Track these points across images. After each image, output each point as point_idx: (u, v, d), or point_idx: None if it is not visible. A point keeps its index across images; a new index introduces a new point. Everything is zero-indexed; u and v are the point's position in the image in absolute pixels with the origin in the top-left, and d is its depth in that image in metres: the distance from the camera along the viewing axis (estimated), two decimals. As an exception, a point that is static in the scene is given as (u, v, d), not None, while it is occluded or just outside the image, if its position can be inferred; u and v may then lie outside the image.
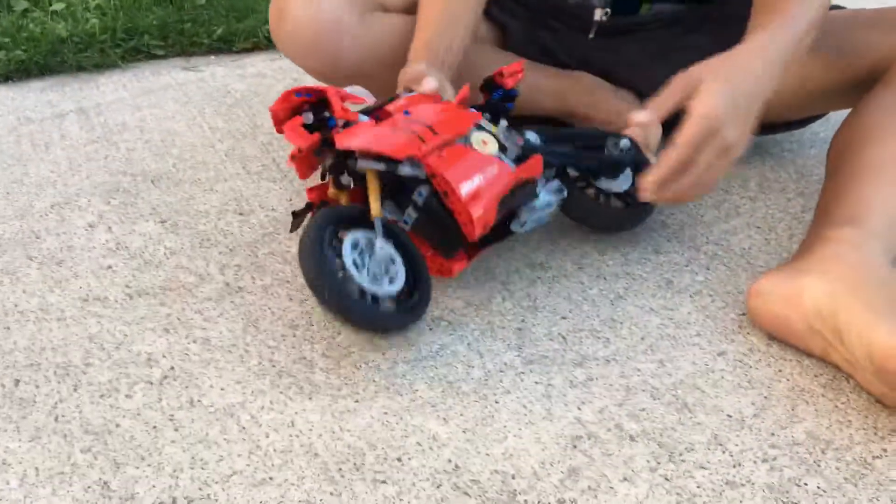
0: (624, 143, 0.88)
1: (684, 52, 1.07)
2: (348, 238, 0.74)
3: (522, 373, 0.74)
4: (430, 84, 0.84)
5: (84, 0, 1.63)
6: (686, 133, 0.75)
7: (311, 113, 0.79)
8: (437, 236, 0.81)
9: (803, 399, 0.72)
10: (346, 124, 0.77)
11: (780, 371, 0.75)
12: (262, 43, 1.56)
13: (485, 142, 0.81)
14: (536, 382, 0.73)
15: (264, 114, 1.28)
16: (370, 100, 0.95)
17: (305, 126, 0.79)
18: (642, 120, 0.79)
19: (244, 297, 0.85)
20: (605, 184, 0.91)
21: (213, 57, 1.53)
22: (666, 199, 0.79)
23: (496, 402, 0.71)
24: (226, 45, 1.55)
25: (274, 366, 0.75)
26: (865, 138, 0.87)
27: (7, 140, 1.19)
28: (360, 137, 0.75)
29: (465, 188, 0.75)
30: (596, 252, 0.93)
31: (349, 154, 0.77)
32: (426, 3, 0.97)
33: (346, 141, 0.74)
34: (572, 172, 0.90)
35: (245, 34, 1.56)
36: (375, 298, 0.73)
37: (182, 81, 1.41)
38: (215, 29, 1.56)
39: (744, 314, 0.82)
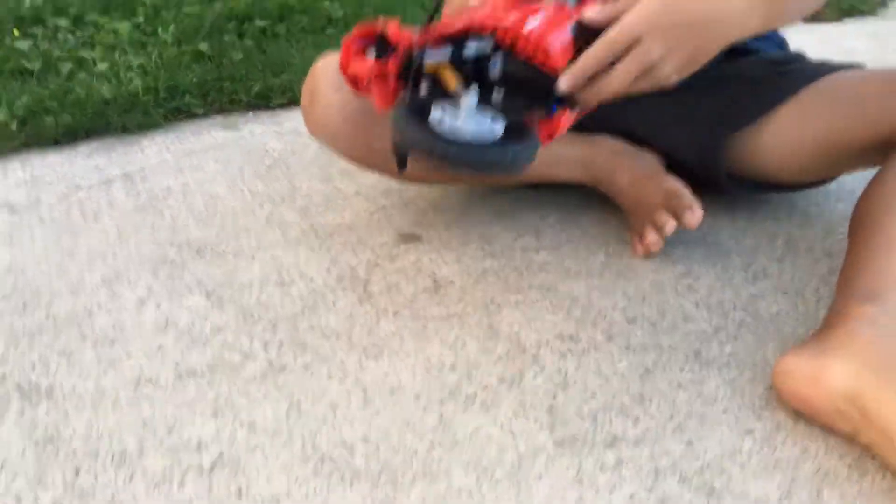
0: None
1: (702, 112, 1.09)
2: (435, 108, 0.75)
3: (554, 456, 0.77)
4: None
5: (126, 59, 1.69)
6: (607, 35, 0.76)
7: (373, 48, 0.82)
8: (529, 95, 0.78)
9: (829, 482, 0.74)
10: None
11: (805, 451, 0.77)
12: (297, 98, 1.60)
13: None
14: (568, 467, 0.76)
15: (301, 175, 1.33)
16: None
17: (383, 42, 0.81)
18: (590, 15, 0.78)
19: (286, 377, 0.89)
20: None
21: (251, 114, 1.58)
22: (585, 97, 0.78)
23: (529, 489, 0.74)
24: (263, 101, 1.60)
25: (316, 451, 0.79)
26: (886, 207, 0.88)
27: (58, 209, 1.25)
28: (422, 35, 0.78)
29: (527, 27, 0.75)
30: (625, 320, 0.96)
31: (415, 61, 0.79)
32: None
33: (406, 41, 0.77)
34: None
35: (281, 89, 1.61)
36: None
37: (222, 142, 1.46)
38: (252, 85, 1.61)
39: (771, 388, 0.85)
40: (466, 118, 0.74)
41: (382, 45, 0.81)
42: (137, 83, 1.58)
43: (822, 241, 1.11)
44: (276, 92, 1.61)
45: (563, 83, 0.76)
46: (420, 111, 0.75)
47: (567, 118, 0.81)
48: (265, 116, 1.57)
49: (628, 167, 1.11)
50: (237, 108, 1.60)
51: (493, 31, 0.77)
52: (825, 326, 0.84)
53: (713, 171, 1.10)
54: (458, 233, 1.15)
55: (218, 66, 1.69)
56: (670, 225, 1.03)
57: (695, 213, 1.02)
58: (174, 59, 1.70)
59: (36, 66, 1.68)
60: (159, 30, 1.84)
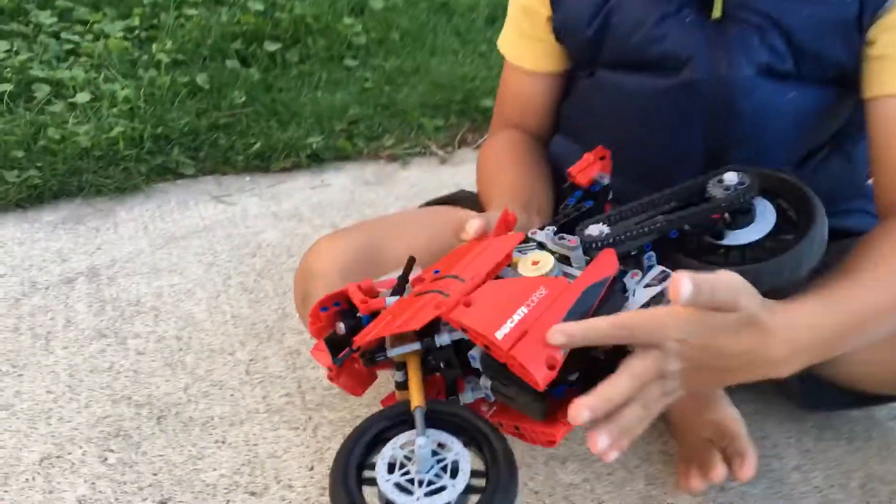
0: (729, 177, 0.68)
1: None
2: (381, 461, 0.61)
3: None
4: (473, 226, 0.69)
5: (111, 88, 1.47)
6: (635, 323, 0.57)
7: (342, 323, 0.68)
8: (518, 398, 0.64)
9: None
10: (376, 314, 0.66)
11: None
12: (301, 163, 1.40)
13: (535, 262, 0.66)
14: None
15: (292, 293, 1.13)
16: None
17: (337, 339, 0.67)
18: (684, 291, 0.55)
19: None
20: (736, 237, 0.70)
21: (247, 179, 1.38)
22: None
23: None
24: (262, 164, 1.39)
25: None
26: None
27: (6, 323, 1.06)
28: (372, 329, 0.64)
29: (502, 331, 0.59)
30: None
31: (381, 349, 0.66)
32: (493, 179, 0.86)
33: (359, 340, 0.64)
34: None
35: (285, 150, 1.40)
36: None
37: (209, 223, 1.26)
38: (252, 142, 1.40)
39: None
40: (429, 494, 0.58)
41: (353, 313, 0.67)
42: (119, 129, 1.36)
43: (906, 485, 0.92)
44: (278, 153, 1.40)
45: (583, 415, 0.55)
46: (359, 489, 0.60)
47: (563, 430, 0.62)
48: (263, 184, 1.36)
49: None
50: (232, 169, 1.39)
51: (464, 329, 0.60)
52: None
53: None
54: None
55: (215, 108, 1.47)
56: (719, 474, 0.85)
57: (747, 465, 0.84)
58: (166, 91, 1.48)
59: (7, 88, 1.46)
60: (153, 46, 1.61)
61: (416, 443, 0.60)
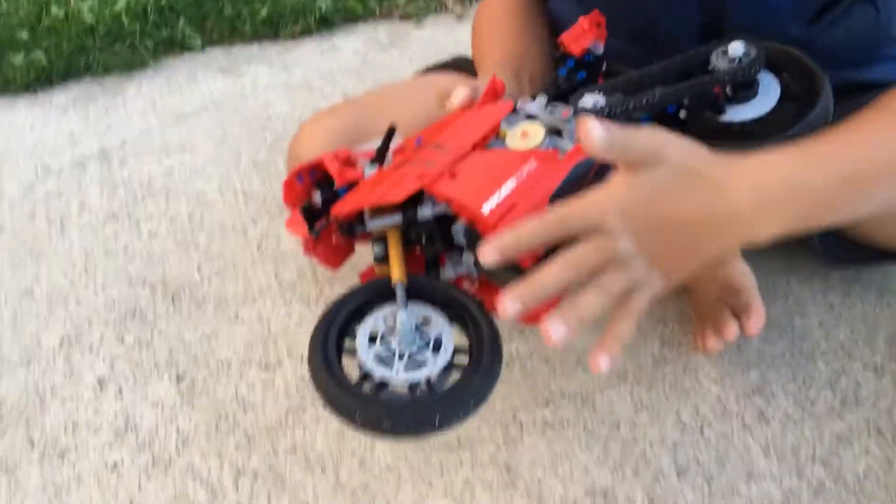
0: (735, 47, 0.63)
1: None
2: (362, 331, 0.60)
3: None
4: (459, 95, 0.66)
5: (113, -40, 1.41)
6: (560, 209, 0.52)
7: (319, 192, 0.66)
8: (502, 275, 0.62)
9: None
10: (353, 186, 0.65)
11: None
12: (311, 26, 1.34)
13: (525, 133, 0.64)
14: None
15: (306, 167, 1.11)
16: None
17: (314, 209, 0.66)
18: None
19: (257, 538, 0.75)
20: (737, 113, 0.65)
21: (256, 48, 1.33)
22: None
23: None
24: (271, 31, 1.34)
25: None
26: None
27: (22, 209, 1.07)
28: (351, 200, 0.62)
29: (489, 206, 0.58)
30: (674, 470, 0.78)
31: (360, 220, 0.64)
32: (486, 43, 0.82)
33: (337, 210, 0.63)
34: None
35: (293, 14, 1.34)
36: (430, 380, 0.59)
37: (219, 98, 1.23)
38: (259, 8, 1.34)
39: None
40: (410, 368, 0.57)
41: (329, 183, 0.65)
42: (123, 2, 1.32)
43: (937, 338, 0.88)
44: (286, 18, 1.34)
45: (509, 309, 0.50)
46: (338, 358, 0.58)
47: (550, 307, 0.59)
48: (272, 52, 1.32)
49: None
50: (240, 38, 1.34)
51: (448, 202, 0.58)
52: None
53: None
54: (484, 288, 0.95)
55: (220, -28, 1.41)
56: (731, 332, 0.83)
57: (753, 318, 0.82)
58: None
59: (8, -35, 1.42)
60: None
61: (398, 316, 0.59)
